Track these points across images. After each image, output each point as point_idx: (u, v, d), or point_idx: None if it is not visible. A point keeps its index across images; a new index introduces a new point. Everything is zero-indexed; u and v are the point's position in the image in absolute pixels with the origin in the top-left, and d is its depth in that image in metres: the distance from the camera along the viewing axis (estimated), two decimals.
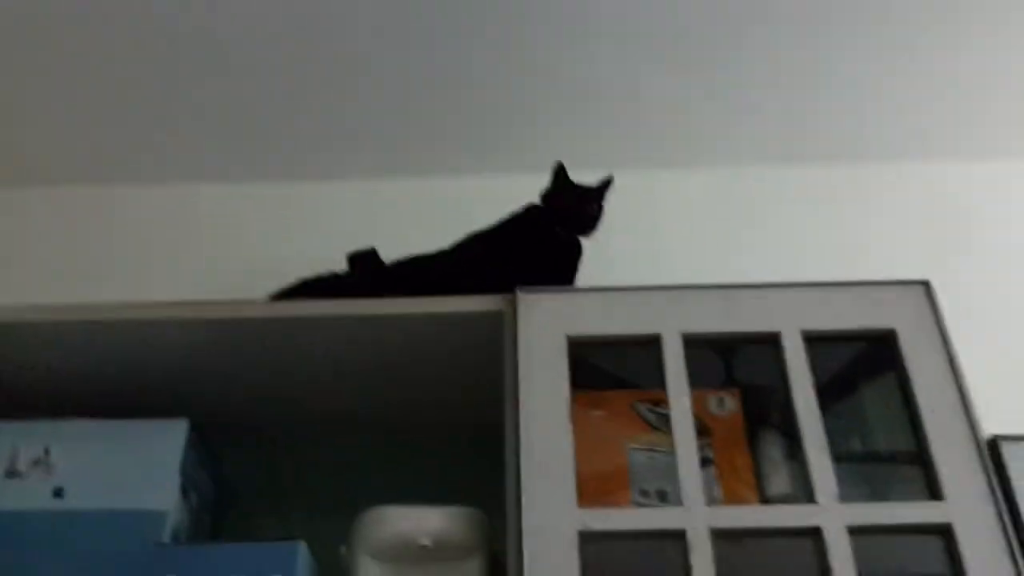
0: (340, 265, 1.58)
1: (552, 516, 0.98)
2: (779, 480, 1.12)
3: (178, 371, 1.25)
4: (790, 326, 1.12)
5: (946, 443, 1.03)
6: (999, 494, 0.98)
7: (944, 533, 0.97)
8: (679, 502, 1.02)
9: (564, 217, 1.39)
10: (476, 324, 1.19)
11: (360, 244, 1.66)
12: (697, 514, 0.98)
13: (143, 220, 1.76)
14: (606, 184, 1.40)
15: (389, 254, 1.54)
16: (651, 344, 1.12)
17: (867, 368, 1.17)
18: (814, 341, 1.11)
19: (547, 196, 1.41)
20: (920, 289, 1.15)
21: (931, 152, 1.74)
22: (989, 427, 1.04)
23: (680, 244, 1.66)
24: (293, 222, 1.74)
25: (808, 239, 1.66)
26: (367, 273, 1.42)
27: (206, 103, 1.67)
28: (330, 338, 1.22)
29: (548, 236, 1.39)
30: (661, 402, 1.14)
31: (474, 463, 1.32)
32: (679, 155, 1.75)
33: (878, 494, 1.13)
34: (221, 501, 1.31)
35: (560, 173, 1.40)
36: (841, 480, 1.00)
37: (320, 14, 1.52)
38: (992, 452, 1.02)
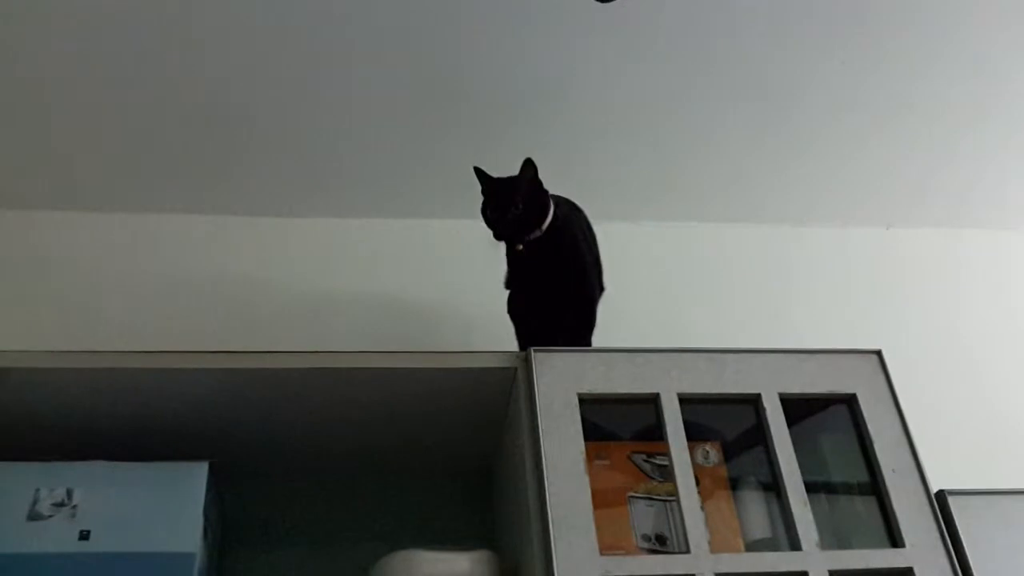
0: (306, 302, 1.65)
1: (579, 564, 1.10)
2: (759, 525, 1.27)
3: (195, 415, 1.29)
4: (769, 388, 1.28)
5: (903, 497, 1.21)
6: (948, 542, 1.17)
7: None
8: (678, 546, 1.17)
9: (487, 224, 1.37)
10: (488, 378, 1.29)
11: (331, 280, 1.74)
12: (704, 561, 1.12)
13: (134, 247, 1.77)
14: (524, 172, 1.36)
15: (362, 289, 1.62)
16: (650, 402, 1.26)
17: (831, 426, 1.34)
18: (789, 402, 1.28)
19: None
20: (874, 358, 1.33)
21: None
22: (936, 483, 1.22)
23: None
24: (267, 256, 1.78)
25: (781, 300, 1.84)
26: None
27: (197, 140, 1.71)
28: (348, 388, 1.28)
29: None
30: (656, 453, 1.29)
31: (468, 504, 1.44)
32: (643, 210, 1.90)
33: (841, 536, 1.29)
34: (226, 538, 1.35)
35: (479, 178, 1.39)
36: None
37: (305, 61, 1.58)
38: (940, 505, 1.21)
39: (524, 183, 1.36)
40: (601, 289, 1.46)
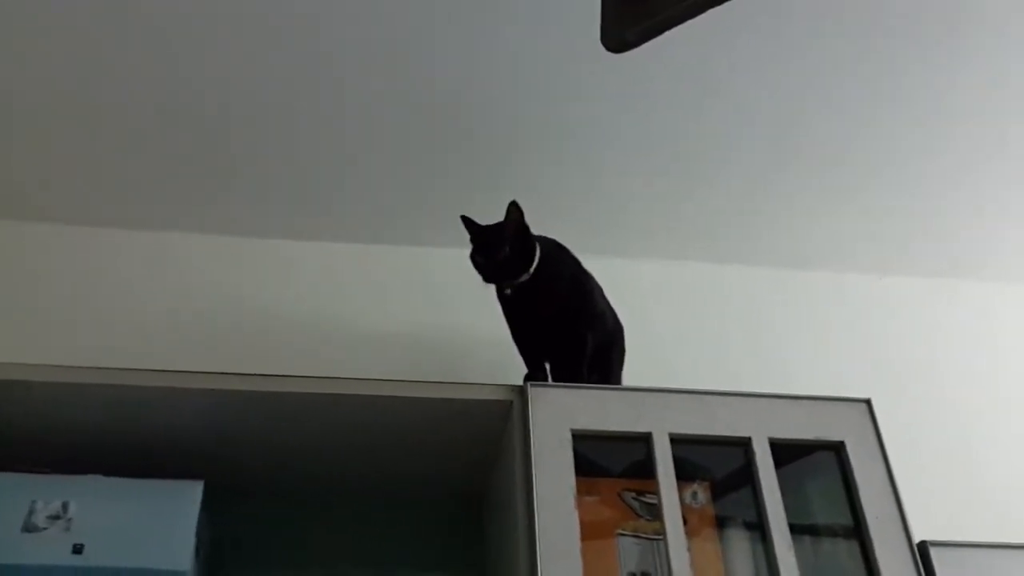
0: (307, 326, 1.66)
1: None
2: (743, 567, 1.29)
3: (191, 434, 1.31)
4: (759, 433, 1.30)
5: (886, 546, 1.23)
6: None
7: None
8: None
9: (476, 269, 1.42)
10: (483, 410, 1.31)
11: (335, 304, 1.76)
12: None
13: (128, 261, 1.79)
14: (509, 216, 1.39)
15: (364, 315, 1.63)
16: (642, 440, 1.28)
17: (819, 471, 1.36)
18: (778, 446, 1.30)
19: None
20: (863, 406, 1.36)
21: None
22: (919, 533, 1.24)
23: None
24: (269, 278, 1.80)
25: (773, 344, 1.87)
26: None
27: (205, 159, 1.73)
28: (344, 414, 1.31)
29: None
30: (645, 491, 1.30)
31: (459, 532, 1.46)
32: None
33: None
34: (217, 557, 1.36)
35: (466, 226, 1.43)
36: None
37: (308, 81, 1.60)
38: (922, 555, 1.23)
39: (510, 227, 1.40)
40: (598, 327, 1.49)
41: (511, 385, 1.31)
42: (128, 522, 1.20)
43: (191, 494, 1.25)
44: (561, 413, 1.27)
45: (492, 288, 1.45)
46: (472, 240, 1.43)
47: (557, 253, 1.46)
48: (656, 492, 1.23)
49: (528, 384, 1.29)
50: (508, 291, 1.43)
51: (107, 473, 1.24)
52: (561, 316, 1.45)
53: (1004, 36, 1.57)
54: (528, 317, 1.46)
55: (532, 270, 1.40)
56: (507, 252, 1.39)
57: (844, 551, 1.30)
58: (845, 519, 1.29)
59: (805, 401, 1.35)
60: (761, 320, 1.91)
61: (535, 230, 1.45)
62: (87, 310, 1.66)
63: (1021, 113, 1.71)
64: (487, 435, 1.34)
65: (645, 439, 1.27)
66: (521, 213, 1.41)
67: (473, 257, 1.42)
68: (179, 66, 1.55)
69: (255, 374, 1.26)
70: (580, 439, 1.26)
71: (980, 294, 2.01)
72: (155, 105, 1.62)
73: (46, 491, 1.20)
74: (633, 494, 1.32)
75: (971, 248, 1.99)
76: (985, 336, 1.96)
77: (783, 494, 1.26)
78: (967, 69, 1.63)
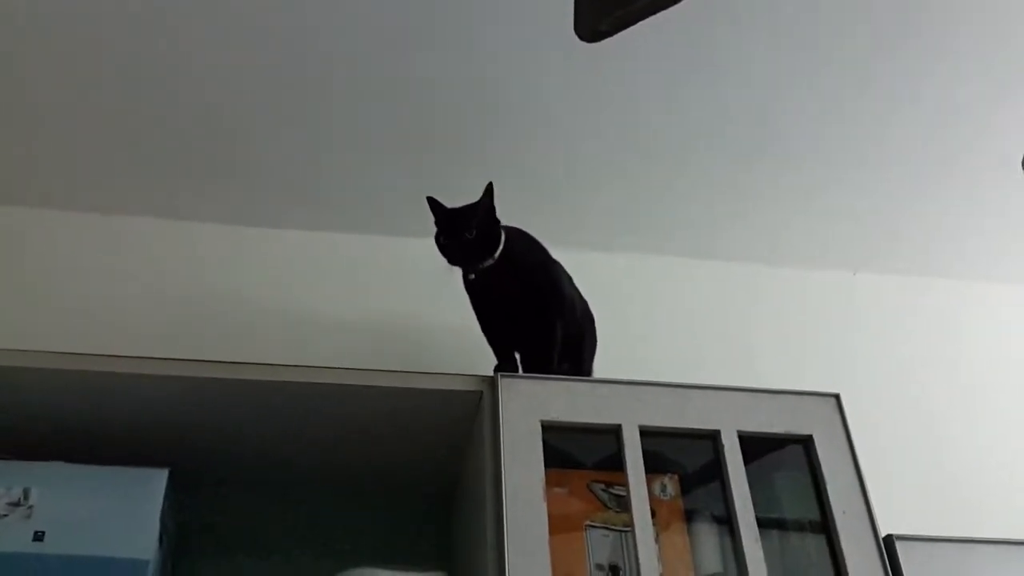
0: (277, 314, 1.64)
1: None
2: (711, 559, 1.29)
3: (158, 421, 1.29)
4: (728, 426, 1.30)
5: (852, 540, 1.23)
6: None
7: None
8: None
9: (441, 251, 1.40)
10: (453, 400, 1.30)
11: (296, 291, 1.74)
12: None
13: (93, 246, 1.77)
14: (483, 198, 1.38)
15: (325, 302, 1.62)
16: (612, 432, 1.27)
17: (787, 465, 1.37)
18: (747, 440, 1.30)
19: None
20: (832, 401, 1.36)
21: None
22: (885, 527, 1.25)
23: None
24: (241, 265, 1.78)
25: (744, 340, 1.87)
26: None
27: (180, 145, 1.71)
28: (313, 403, 1.29)
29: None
30: (614, 483, 1.30)
31: (429, 524, 1.45)
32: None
33: (790, 574, 1.32)
34: (181, 546, 1.35)
35: (432, 208, 1.41)
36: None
37: (290, 70, 1.59)
38: (888, 549, 1.23)
39: (480, 209, 1.38)
40: (567, 314, 1.48)
41: (481, 375, 1.31)
42: (91, 510, 1.19)
43: (156, 482, 1.23)
44: (531, 404, 1.27)
45: (461, 278, 1.44)
46: (437, 222, 1.40)
47: (522, 239, 1.45)
48: (625, 484, 1.23)
49: (498, 375, 1.29)
50: (472, 276, 1.41)
51: (70, 460, 1.22)
52: (527, 302, 1.43)
53: (972, 37, 1.58)
54: (494, 303, 1.44)
55: (497, 254, 1.38)
56: (474, 234, 1.37)
57: (811, 545, 1.30)
58: (813, 513, 1.29)
59: (774, 395, 1.35)
60: (732, 314, 1.91)
61: (508, 221, 1.43)
62: (52, 295, 1.64)
63: (991, 112, 1.72)
64: (457, 425, 1.33)
65: (615, 431, 1.27)
66: (492, 195, 1.39)
67: (438, 239, 1.40)
68: (160, 55, 1.54)
69: (221, 361, 1.25)
70: (550, 430, 1.26)
71: (949, 291, 2.03)
72: (134, 93, 1.60)
73: (7, 477, 1.19)
74: (602, 486, 1.32)
75: (941, 245, 2.01)
76: (953, 332, 1.98)
77: (751, 487, 1.26)
78: (939, 69, 1.64)
